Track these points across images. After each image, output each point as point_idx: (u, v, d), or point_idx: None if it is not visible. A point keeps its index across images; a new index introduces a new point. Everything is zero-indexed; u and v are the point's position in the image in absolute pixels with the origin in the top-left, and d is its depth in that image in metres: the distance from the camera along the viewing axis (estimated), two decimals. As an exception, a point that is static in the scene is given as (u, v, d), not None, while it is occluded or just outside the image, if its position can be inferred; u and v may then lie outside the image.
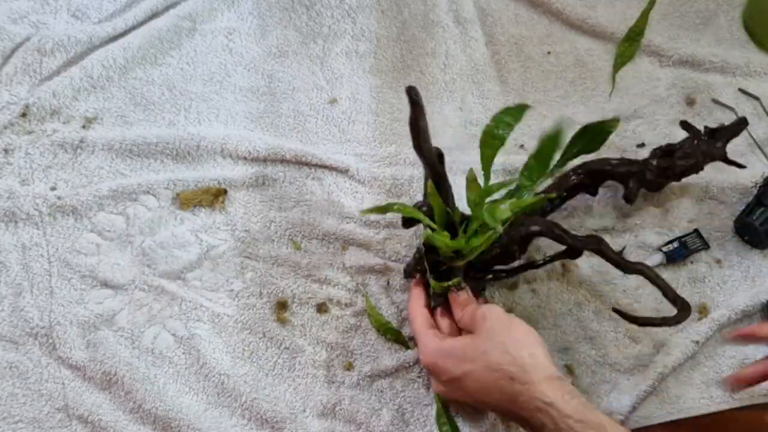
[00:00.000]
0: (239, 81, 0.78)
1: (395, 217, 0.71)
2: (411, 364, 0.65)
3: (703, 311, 0.69)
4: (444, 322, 0.60)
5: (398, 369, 0.65)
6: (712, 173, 0.76)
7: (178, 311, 0.65)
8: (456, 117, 0.79)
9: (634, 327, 0.65)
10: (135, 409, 0.61)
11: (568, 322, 0.68)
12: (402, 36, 0.83)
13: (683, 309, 0.56)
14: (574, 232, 0.61)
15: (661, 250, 0.70)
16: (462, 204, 0.74)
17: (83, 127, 0.72)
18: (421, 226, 0.63)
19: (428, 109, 0.79)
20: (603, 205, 0.75)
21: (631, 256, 0.71)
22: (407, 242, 0.71)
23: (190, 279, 0.67)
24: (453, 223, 0.60)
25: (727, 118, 0.81)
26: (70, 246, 0.66)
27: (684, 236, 0.71)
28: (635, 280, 0.70)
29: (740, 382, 0.57)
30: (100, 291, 0.65)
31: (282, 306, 0.66)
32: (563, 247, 0.62)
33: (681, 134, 0.73)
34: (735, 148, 0.79)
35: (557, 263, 0.71)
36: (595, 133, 0.60)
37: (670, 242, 0.71)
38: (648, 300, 0.69)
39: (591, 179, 0.68)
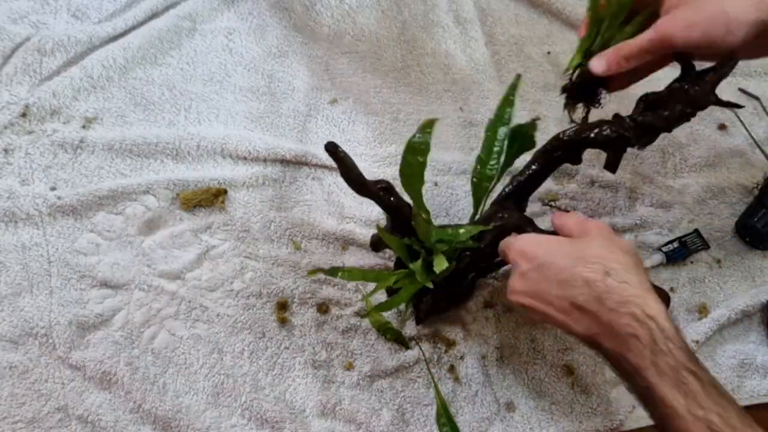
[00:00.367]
0: (239, 81, 0.78)
1: (395, 217, 0.72)
2: (411, 364, 0.65)
3: (703, 311, 0.69)
4: None
5: (398, 369, 0.65)
6: (713, 173, 0.76)
7: (178, 311, 0.65)
8: (456, 117, 0.79)
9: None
10: (135, 409, 0.61)
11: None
12: (402, 36, 0.83)
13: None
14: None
15: (661, 250, 0.70)
16: (460, 205, 0.74)
17: (83, 127, 0.72)
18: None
19: (428, 109, 0.80)
20: (603, 205, 0.75)
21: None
22: (407, 242, 0.71)
23: (190, 279, 0.67)
24: (415, 251, 0.60)
25: (727, 118, 0.81)
26: (70, 246, 0.66)
27: (684, 236, 0.71)
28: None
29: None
30: (99, 291, 0.65)
31: (282, 306, 0.66)
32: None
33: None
34: (735, 148, 0.79)
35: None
36: (522, 136, 0.60)
37: (670, 242, 0.71)
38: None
39: (569, 150, 0.63)
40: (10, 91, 0.71)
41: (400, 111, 0.78)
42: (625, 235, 0.73)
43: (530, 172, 0.62)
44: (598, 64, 0.55)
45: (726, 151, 0.78)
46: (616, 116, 0.59)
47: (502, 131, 0.62)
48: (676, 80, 0.58)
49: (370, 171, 0.73)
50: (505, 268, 0.67)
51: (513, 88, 0.62)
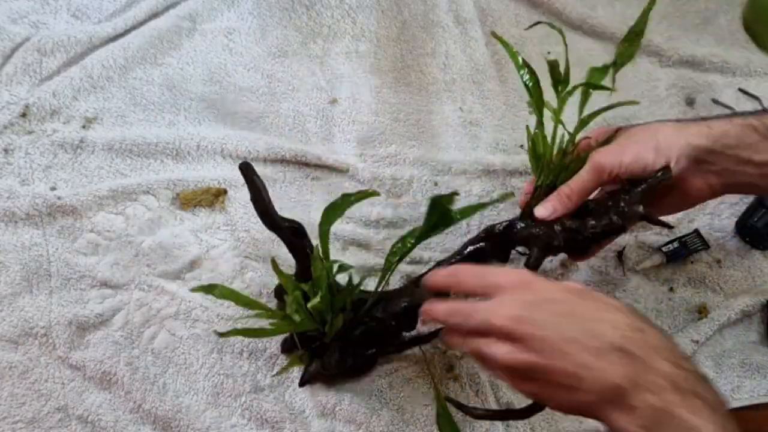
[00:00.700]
0: (239, 81, 0.78)
1: (395, 216, 0.72)
2: (411, 364, 0.65)
3: (703, 311, 0.69)
4: None
5: (398, 369, 0.65)
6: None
7: (178, 311, 0.65)
8: (456, 117, 0.79)
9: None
10: (135, 409, 0.61)
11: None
12: (402, 36, 0.83)
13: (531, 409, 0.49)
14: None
15: (661, 250, 0.70)
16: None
17: (83, 127, 0.72)
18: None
19: (428, 109, 0.80)
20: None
21: (632, 255, 0.72)
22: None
23: (190, 279, 0.67)
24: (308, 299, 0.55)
25: (727, 118, 0.81)
26: (70, 246, 0.66)
27: (684, 236, 0.71)
28: (636, 280, 0.70)
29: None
30: (99, 291, 0.65)
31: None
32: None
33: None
34: (735, 148, 0.79)
35: (556, 262, 0.71)
36: (440, 208, 0.52)
37: (670, 242, 0.71)
38: (648, 300, 0.69)
39: (494, 245, 0.59)
40: (10, 91, 0.71)
41: (400, 111, 0.78)
42: (625, 236, 0.73)
43: (454, 260, 0.59)
44: (543, 210, 0.56)
45: (726, 151, 0.79)
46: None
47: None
48: (616, 191, 0.58)
49: (370, 171, 0.73)
50: (409, 352, 0.64)
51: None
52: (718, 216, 0.74)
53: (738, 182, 0.56)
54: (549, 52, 0.83)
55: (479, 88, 0.81)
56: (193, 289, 0.55)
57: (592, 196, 0.58)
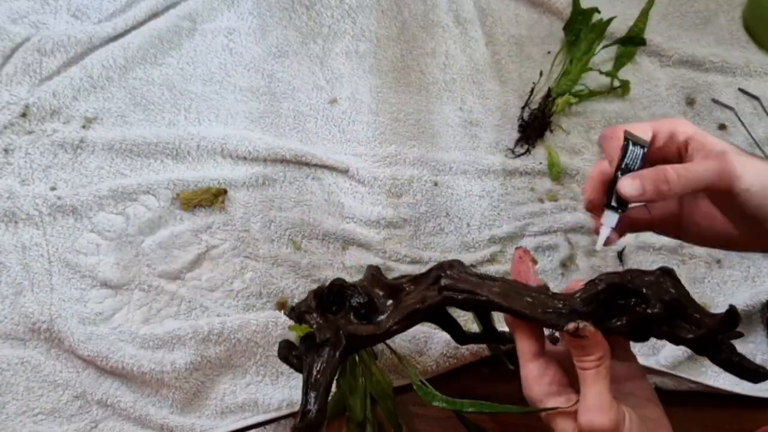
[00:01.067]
0: (239, 81, 0.78)
1: (395, 216, 0.72)
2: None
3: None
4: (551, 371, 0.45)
5: (398, 369, 0.65)
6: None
7: (178, 311, 0.65)
8: (456, 117, 0.79)
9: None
10: (152, 393, 0.62)
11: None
12: (402, 36, 0.83)
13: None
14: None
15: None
16: (461, 205, 0.74)
17: (83, 127, 0.72)
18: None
19: (428, 109, 0.80)
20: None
21: (631, 255, 0.72)
22: (407, 242, 0.71)
23: (190, 279, 0.67)
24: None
25: (727, 118, 0.81)
26: (70, 246, 0.66)
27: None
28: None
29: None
30: (99, 291, 0.65)
31: (282, 306, 0.66)
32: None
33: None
34: (735, 148, 0.79)
35: (557, 263, 0.71)
36: None
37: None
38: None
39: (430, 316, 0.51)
40: (10, 91, 0.71)
41: (400, 111, 0.78)
42: (625, 236, 0.73)
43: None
44: (629, 186, 0.43)
45: (726, 151, 0.79)
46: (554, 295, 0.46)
47: None
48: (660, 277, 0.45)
49: (370, 171, 0.73)
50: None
51: None
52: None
53: None
54: (549, 52, 0.83)
55: (479, 88, 0.81)
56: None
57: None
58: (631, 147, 0.44)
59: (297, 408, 0.61)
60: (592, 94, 0.80)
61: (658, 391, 0.46)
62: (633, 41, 0.81)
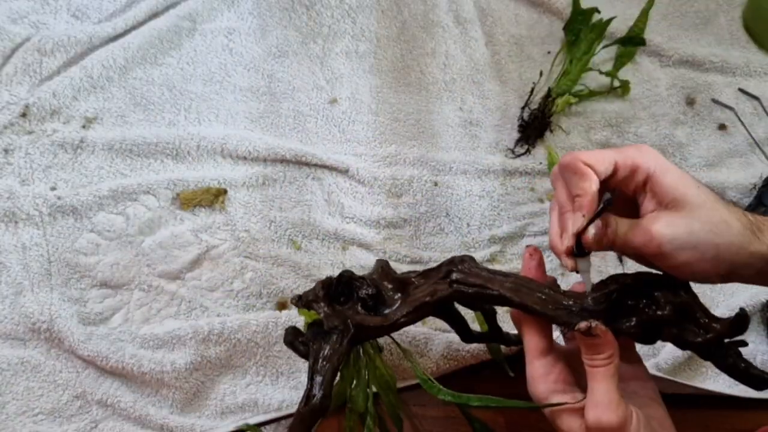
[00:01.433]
0: (239, 81, 0.78)
1: (395, 216, 0.72)
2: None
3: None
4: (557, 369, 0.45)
5: (398, 369, 0.65)
6: (713, 173, 0.76)
7: (178, 311, 0.65)
8: (456, 117, 0.79)
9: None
10: (152, 393, 0.62)
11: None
12: (402, 36, 0.83)
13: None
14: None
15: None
16: (461, 205, 0.74)
17: (83, 127, 0.72)
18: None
19: (428, 109, 0.80)
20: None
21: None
22: (407, 242, 0.71)
23: (190, 279, 0.67)
24: None
25: (727, 118, 0.81)
26: (70, 246, 0.66)
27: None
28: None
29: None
30: (100, 291, 0.65)
31: (282, 306, 0.66)
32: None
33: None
34: (735, 148, 0.79)
35: (556, 263, 0.71)
36: None
37: None
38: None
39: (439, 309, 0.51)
40: (10, 91, 0.71)
41: (400, 111, 0.78)
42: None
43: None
44: (593, 239, 0.45)
45: (726, 151, 0.78)
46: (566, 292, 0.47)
47: None
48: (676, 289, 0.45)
49: (370, 171, 0.73)
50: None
51: None
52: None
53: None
54: (549, 52, 0.83)
55: (479, 88, 0.81)
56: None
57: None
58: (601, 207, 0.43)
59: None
60: (592, 94, 0.80)
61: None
62: (633, 41, 0.81)
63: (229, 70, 0.78)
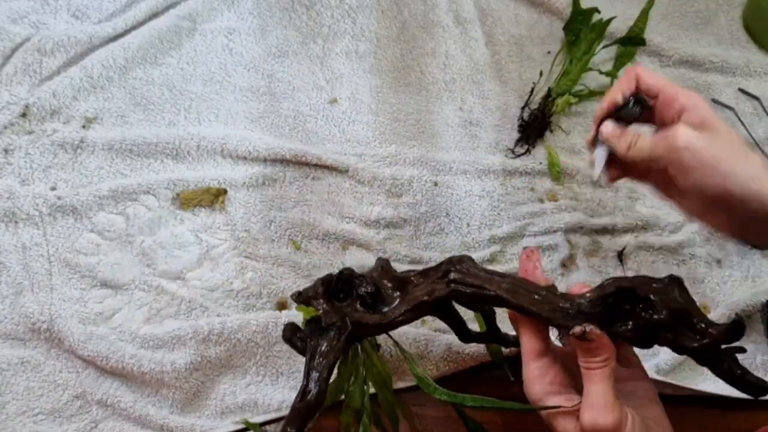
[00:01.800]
0: (239, 81, 0.78)
1: (395, 216, 0.72)
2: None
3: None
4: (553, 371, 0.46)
5: (398, 369, 0.65)
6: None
7: (178, 311, 0.65)
8: (456, 117, 0.79)
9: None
10: (152, 393, 0.62)
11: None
12: (402, 36, 0.83)
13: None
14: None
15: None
16: (461, 205, 0.74)
17: (83, 127, 0.72)
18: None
19: (428, 109, 0.80)
20: (603, 205, 0.75)
21: (631, 255, 0.71)
22: (407, 242, 0.71)
23: (190, 279, 0.67)
24: None
25: (727, 118, 0.81)
26: (70, 246, 0.66)
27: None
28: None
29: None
30: (100, 291, 0.65)
31: (282, 306, 0.66)
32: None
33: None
34: (735, 148, 0.79)
35: (557, 263, 0.71)
36: None
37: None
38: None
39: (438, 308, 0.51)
40: (10, 91, 0.71)
41: (400, 111, 0.78)
42: (625, 236, 0.73)
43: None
44: (608, 129, 0.53)
45: (726, 151, 0.79)
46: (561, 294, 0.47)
47: None
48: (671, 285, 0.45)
49: (370, 171, 0.73)
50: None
51: None
52: (718, 216, 0.74)
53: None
54: (549, 52, 0.83)
55: (479, 88, 0.81)
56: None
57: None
58: (631, 105, 0.51)
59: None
60: (592, 94, 0.80)
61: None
62: (633, 41, 0.81)
63: (229, 70, 0.78)
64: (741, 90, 0.82)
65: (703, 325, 0.44)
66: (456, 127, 0.78)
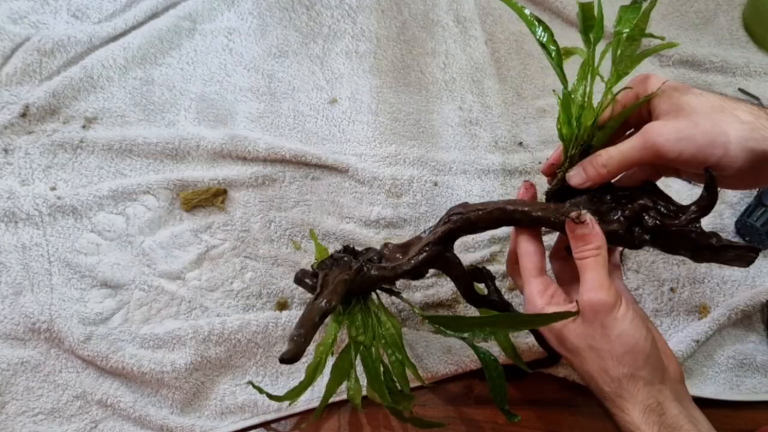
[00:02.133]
0: (239, 81, 0.78)
1: (395, 216, 0.72)
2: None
3: (703, 311, 0.69)
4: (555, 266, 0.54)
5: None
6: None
7: (178, 311, 0.65)
8: (456, 116, 0.79)
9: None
10: (152, 393, 0.62)
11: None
12: (402, 36, 0.83)
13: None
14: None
15: None
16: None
17: (83, 127, 0.72)
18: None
19: (428, 109, 0.80)
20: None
21: (631, 255, 0.71)
22: (407, 242, 0.71)
23: (190, 279, 0.67)
24: None
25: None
26: (70, 246, 0.66)
27: None
28: (635, 281, 0.70)
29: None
30: (100, 291, 0.65)
31: (282, 306, 0.66)
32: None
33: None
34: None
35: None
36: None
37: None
38: (648, 300, 0.69)
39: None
40: (10, 91, 0.71)
41: (400, 111, 0.78)
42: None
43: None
44: (576, 176, 0.50)
45: (726, 151, 0.78)
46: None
47: None
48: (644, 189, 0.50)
49: (370, 171, 0.73)
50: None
51: None
52: (719, 215, 0.74)
53: None
54: (549, 52, 0.83)
55: (479, 87, 0.81)
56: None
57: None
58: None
59: (296, 410, 0.62)
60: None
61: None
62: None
63: (229, 70, 0.78)
64: (741, 90, 0.82)
65: (675, 207, 0.48)
66: (456, 127, 0.78)
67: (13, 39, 0.73)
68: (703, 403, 0.64)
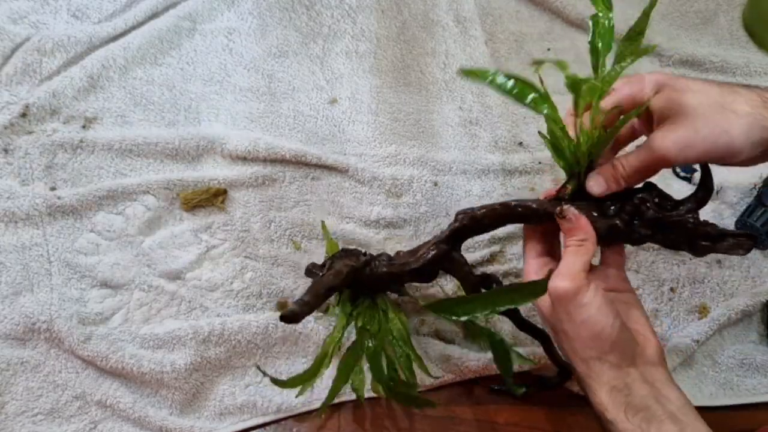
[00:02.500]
0: (239, 81, 0.78)
1: (395, 216, 0.72)
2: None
3: (703, 311, 0.69)
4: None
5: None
6: (713, 173, 0.76)
7: (178, 311, 0.65)
8: (456, 116, 0.79)
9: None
10: (152, 394, 0.62)
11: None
12: (402, 36, 0.83)
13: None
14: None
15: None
16: (461, 205, 0.74)
17: (83, 127, 0.72)
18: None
19: (428, 109, 0.80)
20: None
21: (631, 255, 0.71)
22: (407, 242, 0.71)
23: (190, 279, 0.67)
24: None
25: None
26: (70, 246, 0.66)
27: None
28: (635, 281, 0.70)
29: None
30: (100, 291, 0.65)
31: (282, 306, 0.66)
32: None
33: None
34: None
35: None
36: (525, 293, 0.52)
37: None
38: (648, 300, 0.69)
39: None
40: (10, 91, 0.71)
41: (400, 111, 0.78)
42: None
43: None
44: (596, 185, 0.51)
45: (726, 151, 0.78)
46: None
47: None
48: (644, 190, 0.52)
49: (370, 171, 0.73)
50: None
51: None
52: (719, 215, 0.74)
53: None
54: (549, 49, 0.83)
55: (479, 87, 0.81)
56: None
57: None
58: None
59: (296, 411, 0.62)
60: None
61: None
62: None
63: (229, 70, 0.78)
64: (741, 90, 0.82)
65: (673, 201, 0.50)
66: (456, 127, 0.78)
67: (13, 39, 0.73)
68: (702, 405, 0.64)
